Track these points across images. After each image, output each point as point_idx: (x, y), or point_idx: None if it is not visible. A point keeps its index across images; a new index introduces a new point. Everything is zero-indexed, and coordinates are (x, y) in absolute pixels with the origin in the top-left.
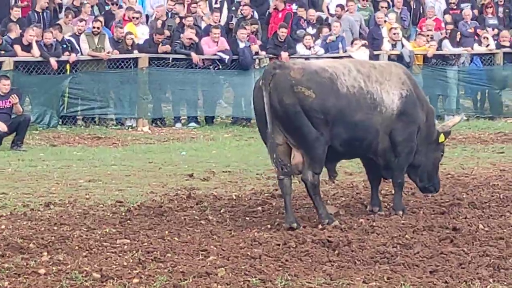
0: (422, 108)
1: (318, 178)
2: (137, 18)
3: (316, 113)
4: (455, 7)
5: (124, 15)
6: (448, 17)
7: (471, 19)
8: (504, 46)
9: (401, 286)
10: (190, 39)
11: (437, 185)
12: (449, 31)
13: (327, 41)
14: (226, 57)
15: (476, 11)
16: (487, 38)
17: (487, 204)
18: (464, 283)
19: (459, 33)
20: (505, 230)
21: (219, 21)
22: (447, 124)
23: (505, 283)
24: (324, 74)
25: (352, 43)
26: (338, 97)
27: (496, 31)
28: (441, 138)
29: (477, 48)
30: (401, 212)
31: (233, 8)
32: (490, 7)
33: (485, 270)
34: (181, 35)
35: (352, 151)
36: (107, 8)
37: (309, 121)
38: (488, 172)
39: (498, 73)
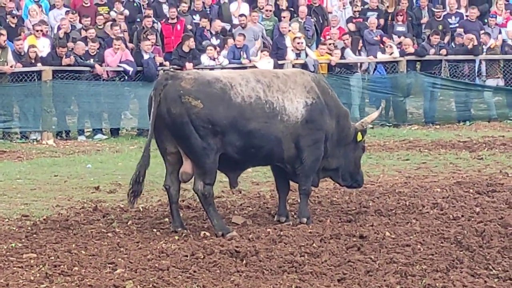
0: (331, 113)
1: (209, 188)
2: (39, 31)
3: (204, 123)
4: (358, 15)
5: (25, 28)
6: (351, 26)
7: (377, 28)
8: (408, 54)
9: None
10: (85, 50)
11: (360, 181)
12: (349, 40)
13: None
14: (130, 69)
15: (382, 20)
16: (391, 46)
17: (393, 211)
18: None
19: (360, 41)
20: (411, 237)
21: (121, 33)
22: (366, 121)
23: None
24: (216, 85)
25: (256, 53)
26: (230, 107)
27: (403, 38)
28: (359, 136)
29: (381, 56)
30: (305, 220)
31: (138, 20)
32: (401, 15)
33: (393, 277)
34: (74, 46)
35: (252, 159)
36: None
37: (197, 131)
38: (393, 179)
39: (401, 81)
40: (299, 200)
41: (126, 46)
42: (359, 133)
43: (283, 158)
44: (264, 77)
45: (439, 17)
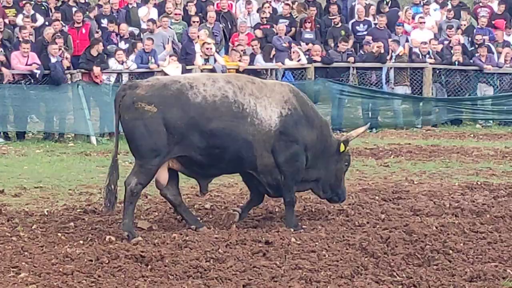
0: (312, 126)
1: (140, 188)
2: None
3: (158, 126)
4: (266, 22)
5: None
6: (258, 32)
7: (285, 34)
8: (316, 61)
9: None
10: None
11: (341, 195)
12: (258, 46)
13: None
14: (37, 71)
15: (292, 28)
16: (298, 53)
17: (299, 217)
18: None
19: (274, 48)
20: (317, 243)
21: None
22: (351, 134)
23: None
24: (172, 87)
25: (165, 58)
26: (187, 107)
27: (311, 45)
28: (341, 147)
29: (289, 63)
30: (292, 230)
31: (46, 23)
32: (309, 22)
33: (297, 283)
34: None
35: (219, 162)
36: None
37: (150, 135)
38: None
39: (309, 88)
40: (285, 212)
41: (34, 50)
42: (342, 144)
43: (256, 166)
44: (238, 81)
45: (337, 24)
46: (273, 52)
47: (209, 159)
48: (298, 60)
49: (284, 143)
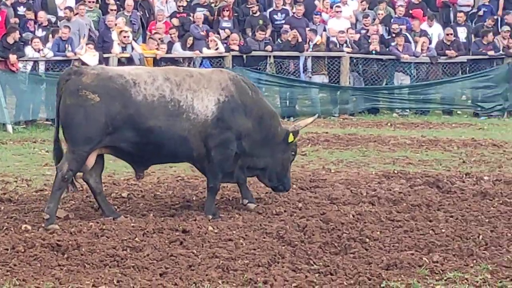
0: (250, 114)
1: (70, 174)
2: None
3: (98, 116)
4: (182, 10)
5: None
6: (175, 21)
7: (203, 23)
8: (233, 50)
9: None
10: None
11: (286, 184)
12: (176, 34)
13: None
14: None
15: (208, 15)
16: (215, 42)
17: (217, 206)
18: (194, 284)
19: (191, 37)
20: (234, 232)
21: None
22: (299, 124)
23: (234, 284)
24: (118, 81)
25: (82, 46)
26: (128, 104)
27: (229, 33)
28: (290, 138)
29: (206, 51)
30: (210, 216)
31: None
32: (227, 11)
33: (215, 272)
34: None
35: (154, 156)
36: None
37: (88, 123)
38: None
39: None
40: (206, 197)
41: None
42: (291, 135)
43: (193, 157)
44: (176, 76)
45: (255, 13)
46: (190, 40)
47: (142, 152)
48: (216, 49)
49: (217, 130)
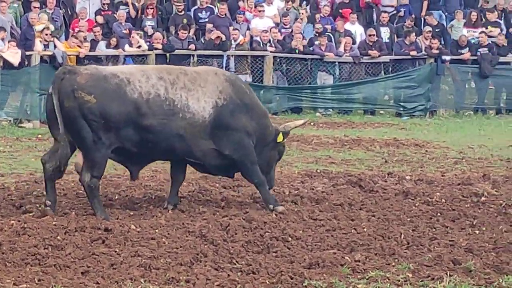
0: (251, 113)
1: (95, 181)
2: None
3: (96, 117)
4: (107, 8)
5: None
6: (100, 18)
7: (126, 21)
8: (157, 48)
9: (52, 287)
10: None
11: (270, 182)
12: (100, 32)
13: None
14: None
15: (133, 12)
16: (137, 39)
17: (139, 204)
18: (116, 283)
19: (114, 37)
20: (156, 231)
21: None
22: (289, 125)
23: (156, 283)
24: (112, 80)
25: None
26: (125, 102)
27: (153, 31)
28: (280, 137)
29: (129, 49)
30: (271, 206)
31: None
32: (151, 9)
33: (137, 270)
34: None
35: (153, 154)
36: None
37: (89, 125)
38: (140, 173)
39: None
40: (259, 193)
41: None
42: (281, 134)
43: (193, 154)
44: (170, 75)
45: (181, 11)
46: (113, 41)
47: (142, 150)
48: (138, 47)
49: (224, 134)
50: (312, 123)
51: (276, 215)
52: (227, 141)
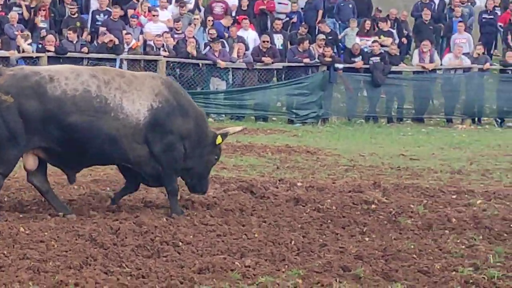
0: (187, 115)
1: (0, 178)
2: None
3: (14, 116)
4: (1, 9)
5: None
6: None
7: (19, 22)
8: (49, 51)
9: None
10: None
11: (205, 186)
12: None
13: None
14: None
15: (26, 14)
16: (20, 42)
17: (29, 207)
18: (4, 286)
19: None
20: (46, 233)
21: None
22: (227, 130)
23: (45, 286)
24: (32, 78)
25: None
26: (44, 100)
27: (44, 33)
28: (218, 139)
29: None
30: (177, 216)
31: None
32: (44, 10)
33: (25, 273)
34: None
35: (84, 156)
36: None
37: (6, 125)
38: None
39: None
40: (168, 201)
41: None
42: (219, 137)
43: (129, 158)
44: (104, 74)
45: (74, 14)
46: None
47: (71, 152)
48: (23, 50)
49: (158, 135)
50: None
51: (166, 219)
52: (159, 143)
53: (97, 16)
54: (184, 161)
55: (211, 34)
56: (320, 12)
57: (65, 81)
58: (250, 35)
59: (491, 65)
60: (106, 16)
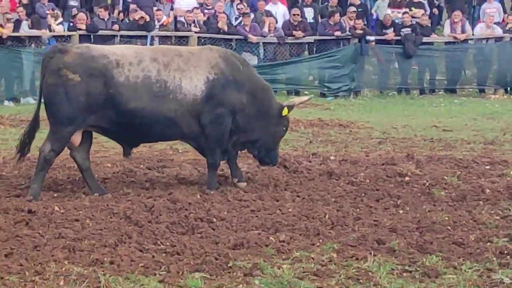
0: (241, 90)
1: (53, 155)
2: None
3: (79, 96)
4: None
5: None
6: None
7: (50, 1)
8: (80, 29)
9: None
10: None
11: (274, 158)
12: (23, 12)
13: None
14: None
15: None
16: (51, 21)
17: (63, 186)
18: (39, 265)
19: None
20: (80, 212)
21: None
22: (293, 101)
23: (80, 265)
24: (100, 61)
25: None
26: (110, 84)
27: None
28: (285, 111)
29: (58, 29)
30: (212, 192)
31: None
32: None
33: (61, 252)
34: None
35: (141, 135)
36: None
37: (69, 103)
38: (64, 154)
39: None
40: (207, 173)
41: None
42: (285, 108)
43: (185, 134)
44: (164, 56)
45: None
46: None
47: (127, 132)
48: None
49: (209, 106)
50: None
51: (200, 196)
52: (209, 113)
53: None
54: (245, 134)
55: (239, 9)
56: None
57: (128, 67)
58: (280, 9)
59: None
60: None
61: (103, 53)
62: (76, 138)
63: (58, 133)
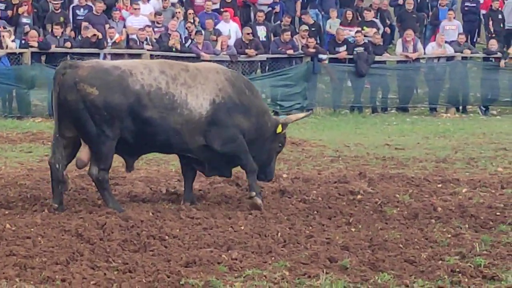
0: (248, 113)
1: (104, 173)
2: None
3: (99, 109)
4: None
5: None
6: None
7: (1, 18)
8: (32, 46)
9: None
10: None
11: (269, 174)
12: None
13: None
14: None
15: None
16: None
17: (14, 203)
18: None
19: None
20: (32, 229)
21: None
22: (290, 118)
23: (32, 282)
24: (114, 72)
25: None
26: (127, 93)
27: (27, 29)
28: (279, 128)
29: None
30: (254, 193)
31: None
32: (26, 6)
33: (12, 270)
34: None
35: (149, 146)
36: None
37: (92, 118)
38: (15, 171)
39: (26, 73)
40: (247, 179)
41: None
42: (280, 126)
43: (190, 149)
44: (171, 70)
45: (57, 9)
46: None
47: (139, 142)
48: (6, 46)
49: (217, 130)
50: None
51: (152, 213)
52: (219, 138)
53: (78, 11)
54: None
55: (188, 27)
56: (298, 3)
57: (141, 75)
58: (232, 27)
59: (472, 52)
60: (87, 11)
61: (114, 64)
62: (85, 155)
63: (98, 152)
